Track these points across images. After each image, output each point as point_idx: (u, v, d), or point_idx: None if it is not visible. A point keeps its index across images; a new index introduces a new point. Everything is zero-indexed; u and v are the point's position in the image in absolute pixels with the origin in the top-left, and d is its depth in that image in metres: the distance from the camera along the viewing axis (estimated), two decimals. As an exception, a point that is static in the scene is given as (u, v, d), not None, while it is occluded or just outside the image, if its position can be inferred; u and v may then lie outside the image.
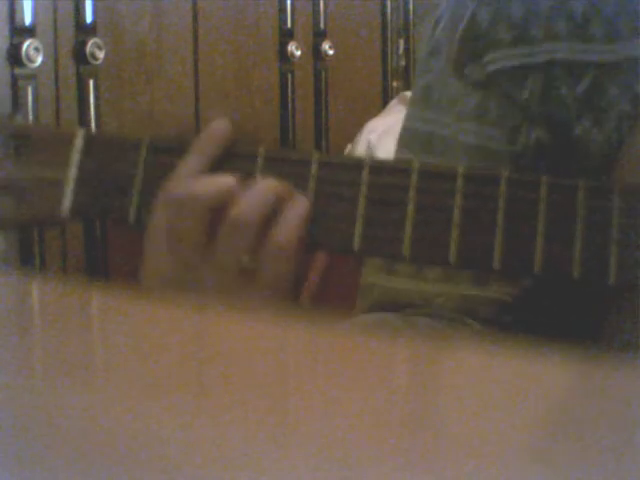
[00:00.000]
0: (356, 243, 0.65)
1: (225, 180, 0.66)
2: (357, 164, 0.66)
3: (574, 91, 0.70)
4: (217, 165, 0.67)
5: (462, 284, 0.73)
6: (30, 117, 1.55)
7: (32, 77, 1.56)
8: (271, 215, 0.65)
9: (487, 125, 0.73)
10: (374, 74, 2.32)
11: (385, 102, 2.28)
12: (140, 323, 0.37)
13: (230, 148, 0.68)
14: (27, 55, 1.53)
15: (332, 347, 0.34)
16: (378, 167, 0.66)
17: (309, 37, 2.11)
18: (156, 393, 0.29)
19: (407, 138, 0.78)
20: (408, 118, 0.78)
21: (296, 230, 0.64)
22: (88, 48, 1.62)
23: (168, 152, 0.69)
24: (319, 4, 2.12)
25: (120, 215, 0.69)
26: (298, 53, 2.05)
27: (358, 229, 0.65)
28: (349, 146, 2.08)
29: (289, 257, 0.64)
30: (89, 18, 1.65)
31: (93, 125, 1.65)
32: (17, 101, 1.54)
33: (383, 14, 2.32)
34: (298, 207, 0.65)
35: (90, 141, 0.70)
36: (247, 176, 0.66)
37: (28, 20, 1.55)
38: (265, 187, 0.65)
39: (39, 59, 1.55)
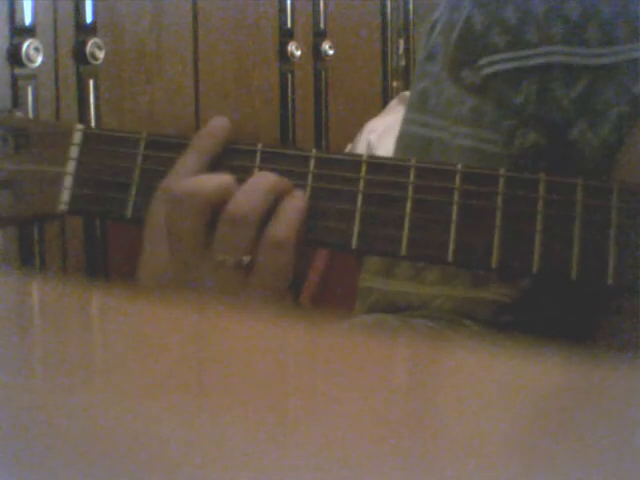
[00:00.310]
0: (354, 241, 0.65)
1: (223, 178, 0.66)
2: (355, 161, 0.66)
3: (569, 94, 0.70)
4: (216, 162, 0.67)
5: (460, 286, 0.73)
6: (30, 117, 1.55)
7: (32, 77, 1.56)
8: (269, 211, 0.65)
9: (483, 128, 0.73)
10: (374, 74, 2.32)
11: (385, 102, 2.28)
12: (140, 323, 0.37)
13: (229, 145, 0.68)
14: (27, 55, 1.53)
15: (332, 347, 0.34)
16: (376, 164, 0.66)
17: (309, 37, 2.11)
18: (156, 393, 0.29)
19: (404, 142, 0.78)
20: (405, 122, 0.78)
21: (293, 225, 0.64)
22: (88, 48, 1.62)
23: (166, 148, 0.69)
24: (319, 4, 2.12)
25: (118, 211, 0.69)
26: (298, 53, 2.05)
27: (356, 227, 0.65)
28: (349, 146, 2.07)
29: (286, 252, 0.64)
30: (89, 18, 1.65)
31: (93, 125, 1.65)
32: (17, 101, 1.54)
33: (383, 14, 2.32)
34: (295, 202, 0.65)
35: (88, 136, 0.70)
36: (245, 173, 0.67)
37: (28, 20, 1.55)
38: (262, 182, 0.65)
39: (39, 59, 1.55)
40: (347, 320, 0.75)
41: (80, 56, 1.63)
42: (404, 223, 0.65)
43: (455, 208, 0.64)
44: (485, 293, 0.73)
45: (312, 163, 0.66)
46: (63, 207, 0.69)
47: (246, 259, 0.64)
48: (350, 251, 0.66)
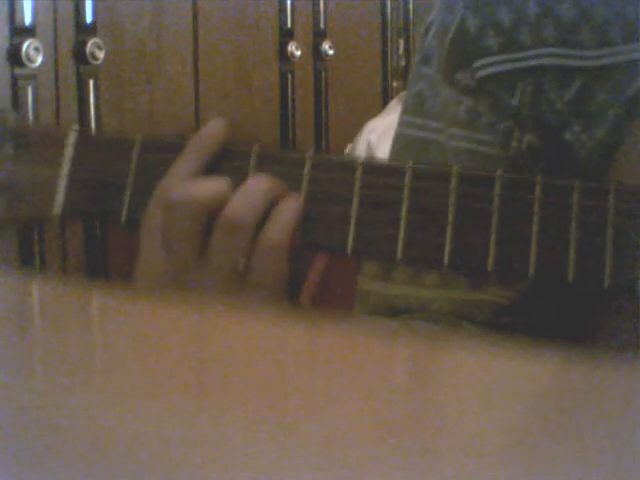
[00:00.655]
0: (349, 245, 0.65)
1: (220, 183, 0.66)
2: (350, 164, 0.66)
3: (564, 96, 0.70)
4: (212, 164, 0.67)
5: (458, 288, 0.73)
6: (30, 117, 1.55)
7: (32, 77, 1.56)
8: (264, 215, 0.65)
9: (479, 131, 0.73)
10: (374, 74, 2.32)
11: (385, 102, 2.28)
12: (140, 323, 0.37)
13: (226, 147, 0.68)
14: (27, 55, 1.53)
15: (332, 347, 0.34)
16: (371, 167, 0.66)
17: (309, 37, 2.11)
18: (156, 393, 0.29)
19: (400, 145, 0.78)
20: (401, 125, 0.78)
21: (288, 228, 0.64)
22: (88, 48, 1.62)
23: (161, 151, 0.69)
24: (319, 4, 2.12)
25: (112, 214, 0.69)
26: (298, 53, 2.05)
27: (351, 231, 0.65)
28: (349, 146, 2.08)
29: (281, 256, 0.64)
30: (89, 18, 1.65)
31: (93, 125, 1.65)
32: (17, 101, 1.54)
33: (383, 14, 2.32)
34: (290, 205, 0.65)
35: (83, 140, 0.70)
36: (242, 175, 0.66)
37: (28, 20, 1.55)
38: (257, 186, 0.65)
39: (39, 59, 1.55)
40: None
41: (80, 56, 1.63)
42: (400, 227, 0.65)
43: (451, 211, 0.64)
44: (484, 295, 0.73)
45: (307, 166, 0.66)
46: (57, 210, 0.69)
47: (242, 263, 0.64)
48: (346, 255, 0.66)
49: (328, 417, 0.27)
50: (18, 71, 1.54)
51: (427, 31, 0.77)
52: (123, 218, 0.68)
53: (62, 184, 0.69)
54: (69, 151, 0.69)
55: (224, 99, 1.92)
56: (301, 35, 2.07)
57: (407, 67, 2.36)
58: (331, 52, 2.13)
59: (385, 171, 0.66)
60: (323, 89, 2.15)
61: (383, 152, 1.91)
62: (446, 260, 0.64)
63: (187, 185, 0.65)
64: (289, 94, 2.05)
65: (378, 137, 1.98)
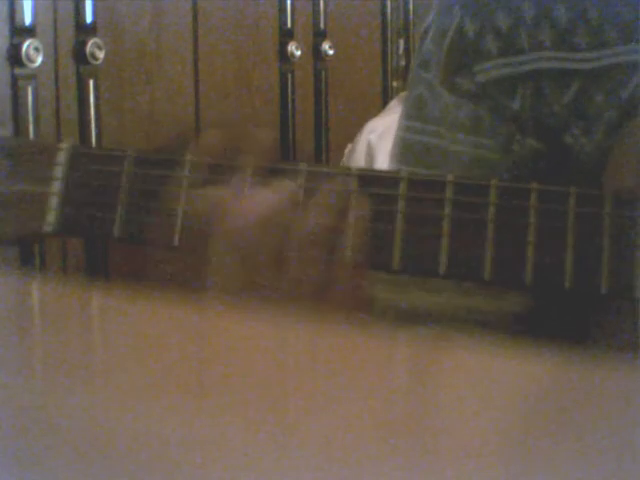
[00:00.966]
0: (346, 255, 0.65)
1: (291, 188, 0.65)
2: (344, 174, 0.66)
3: (562, 99, 0.70)
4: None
5: (473, 298, 0.73)
6: (30, 117, 1.55)
7: (32, 77, 1.56)
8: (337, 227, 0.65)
9: (481, 135, 0.73)
10: (374, 74, 2.32)
11: (385, 102, 2.28)
12: (140, 323, 0.37)
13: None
14: (27, 55, 1.53)
15: (332, 347, 0.34)
16: (365, 177, 0.66)
17: (309, 37, 2.11)
18: (156, 393, 0.29)
19: (402, 150, 0.78)
20: (401, 130, 0.78)
21: (361, 241, 0.65)
22: (88, 48, 1.62)
23: (152, 166, 0.68)
24: (319, 4, 2.12)
25: (105, 231, 0.68)
26: (298, 53, 2.05)
27: (348, 241, 0.65)
28: (349, 146, 2.08)
29: (360, 269, 0.65)
30: (89, 18, 1.65)
31: (93, 125, 1.65)
32: (17, 101, 1.54)
33: (383, 14, 2.32)
34: (358, 216, 0.65)
35: (74, 155, 0.69)
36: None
37: (28, 20, 1.55)
38: (330, 199, 0.65)
39: (39, 59, 1.55)
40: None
41: (80, 56, 1.63)
42: (395, 236, 0.64)
43: (446, 220, 0.64)
44: (499, 302, 0.73)
45: (300, 177, 0.66)
46: (49, 228, 0.68)
47: (320, 276, 0.65)
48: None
49: (328, 417, 0.27)
50: (18, 71, 1.54)
51: (424, 36, 0.77)
52: (116, 235, 0.68)
53: (53, 201, 0.68)
54: (60, 168, 0.69)
55: (224, 99, 1.92)
56: (301, 35, 2.07)
57: (407, 67, 2.36)
58: (331, 52, 2.13)
59: (379, 180, 0.66)
60: (323, 89, 2.15)
61: (383, 152, 1.91)
62: (442, 270, 0.64)
63: (260, 196, 0.65)
64: (289, 94, 2.05)
65: (378, 137, 1.98)
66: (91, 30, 1.65)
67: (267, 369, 0.32)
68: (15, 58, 1.53)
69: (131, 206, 0.68)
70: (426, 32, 0.77)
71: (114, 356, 0.33)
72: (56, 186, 0.68)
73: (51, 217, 0.68)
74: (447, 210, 0.64)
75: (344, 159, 2.05)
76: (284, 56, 2.03)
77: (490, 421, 0.27)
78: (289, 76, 2.05)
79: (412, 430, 0.26)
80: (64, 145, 0.69)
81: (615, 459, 0.24)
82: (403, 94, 2.18)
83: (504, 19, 0.72)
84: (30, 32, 1.55)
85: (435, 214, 0.64)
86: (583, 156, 0.70)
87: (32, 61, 1.54)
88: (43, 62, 1.56)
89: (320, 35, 2.12)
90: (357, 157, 1.99)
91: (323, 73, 2.14)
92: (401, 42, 2.37)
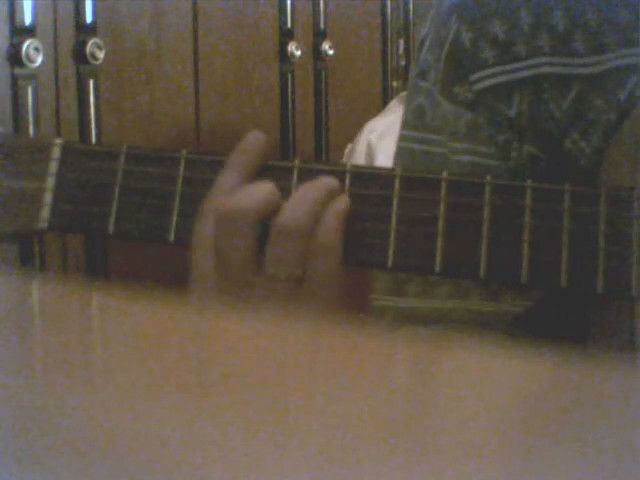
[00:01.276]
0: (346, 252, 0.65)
1: (268, 188, 0.65)
2: (339, 172, 0.66)
3: (561, 105, 0.71)
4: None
5: (473, 299, 0.73)
6: (30, 117, 1.55)
7: (32, 77, 1.56)
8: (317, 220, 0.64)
9: (479, 143, 0.73)
10: (374, 74, 2.32)
11: (385, 102, 2.28)
12: (140, 323, 0.37)
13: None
14: (27, 55, 1.53)
15: (332, 347, 0.34)
16: (360, 175, 0.66)
17: (309, 37, 2.11)
18: (156, 393, 0.29)
19: (404, 160, 0.78)
20: (402, 140, 0.78)
21: (339, 229, 0.64)
22: (88, 48, 1.62)
23: (146, 162, 0.68)
24: (319, 4, 2.12)
25: (100, 227, 0.68)
26: (298, 53, 2.05)
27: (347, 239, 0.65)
28: (349, 146, 2.08)
29: (335, 259, 0.64)
30: (89, 18, 1.65)
31: (93, 125, 1.65)
32: (17, 101, 1.54)
33: (383, 14, 2.32)
34: (338, 206, 0.65)
35: (67, 151, 0.69)
36: (284, 190, 0.66)
37: (28, 20, 1.55)
38: (310, 193, 0.65)
39: (39, 59, 1.55)
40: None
41: (80, 56, 1.63)
42: (390, 234, 0.64)
43: (441, 218, 0.64)
44: (499, 305, 0.73)
45: (295, 175, 0.66)
46: (43, 224, 0.68)
47: (298, 271, 0.64)
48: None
49: (328, 417, 0.27)
50: (18, 71, 1.54)
51: (421, 46, 0.77)
52: (111, 231, 0.68)
53: (48, 197, 0.68)
54: (54, 164, 0.68)
55: (224, 99, 1.92)
56: (301, 35, 2.07)
57: (407, 67, 2.36)
58: (331, 52, 2.13)
59: (374, 178, 0.66)
60: (323, 89, 2.15)
61: (383, 152, 1.91)
62: (437, 268, 0.64)
63: (236, 196, 0.64)
64: (289, 94, 2.05)
65: (378, 137, 1.98)
66: (91, 30, 1.65)
67: (267, 369, 0.32)
68: (15, 58, 1.53)
69: (125, 202, 0.67)
70: (423, 42, 0.77)
71: (114, 356, 0.33)
72: (50, 182, 0.68)
73: (45, 213, 0.68)
74: (441, 208, 0.64)
75: (344, 159, 2.05)
76: (284, 56, 2.03)
77: (490, 421, 0.27)
78: (289, 76, 2.05)
79: (412, 430, 0.26)
80: (58, 141, 0.69)
81: (615, 459, 0.24)
82: (403, 94, 2.18)
83: (500, 27, 0.72)
84: (30, 32, 1.55)
85: (430, 212, 0.64)
86: (583, 160, 0.70)
87: (32, 61, 1.54)
88: (43, 62, 1.56)
89: (320, 35, 2.12)
90: (357, 157, 1.99)
91: (323, 73, 2.14)
92: (401, 42, 2.37)
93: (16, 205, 0.68)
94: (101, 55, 1.64)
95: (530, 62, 0.71)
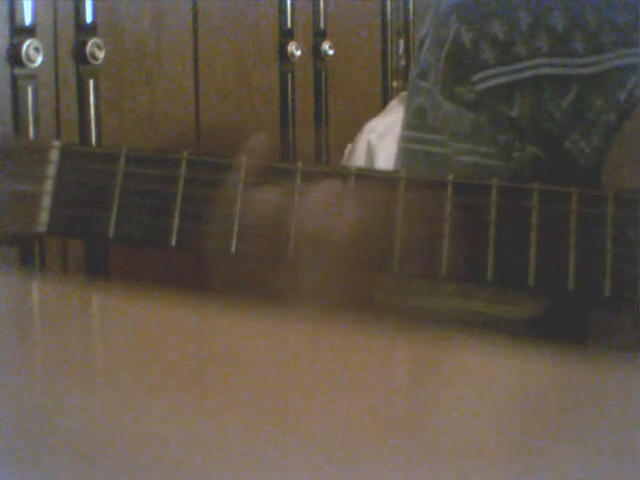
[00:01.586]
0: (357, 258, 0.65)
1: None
2: (343, 174, 0.66)
3: (561, 105, 0.71)
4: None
5: (478, 300, 0.73)
6: (30, 117, 1.55)
7: (32, 77, 1.56)
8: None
9: (481, 143, 0.73)
10: (374, 74, 2.32)
11: (385, 102, 2.28)
12: (140, 323, 0.37)
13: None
14: (27, 55, 1.53)
15: (332, 347, 0.34)
16: (364, 177, 0.66)
17: (309, 37, 2.11)
18: (156, 393, 0.29)
19: (406, 161, 0.78)
20: (403, 140, 0.78)
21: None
22: (88, 48, 1.62)
23: (146, 164, 0.67)
24: (319, 4, 2.12)
25: (99, 231, 0.67)
26: (298, 53, 2.05)
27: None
28: (349, 146, 2.08)
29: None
30: (89, 18, 1.65)
31: (93, 125, 1.65)
32: (17, 101, 1.54)
33: (383, 14, 2.32)
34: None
35: (66, 153, 0.68)
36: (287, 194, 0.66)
37: (28, 20, 1.55)
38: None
39: (39, 59, 1.55)
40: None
41: (80, 56, 1.63)
42: (395, 237, 0.64)
43: (448, 221, 0.64)
44: (504, 307, 0.73)
45: (297, 177, 0.66)
46: (42, 228, 0.68)
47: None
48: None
49: (328, 417, 0.27)
50: (18, 71, 1.54)
51: (421, 45, 0.77)
52: (111, 235, 0.67)
53: (46, 201, 0.68)
54: (52, 167, 0.68)
55: (224, 99, 1.92)
56: (301, 35, 2.07)
57: (407, 67, 2.36)
58: (331, 52, 2.13)
59: (378, 181, 0.65)
60: (323, 89, 2.15)
61: (383, 152, 1.91)
62: (444, 271, 0.63)
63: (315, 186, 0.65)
64: (289, 94, 2.05)
65: (378, 137, 1.98)
66: (91, 30, 1.65)
67: (267, 369, 0.32)
68: (15, 58, 1.53)
69: (125, 205, 0.67)
70: (422, 42, 0.77)
71: (114, 356, 0.33)
72: (48, 185, 0.68)
73: (44, 217, 0.68)
74: (448, 210, 0.64)
75: (344, 159, 2.05)
76: (284, 56, 2.03)
77: (490, 421, 0.27)
78: (289, 76, 2.05)
79: (412, 430, 0.26)
80: (56, 143, 0.69)
81: (615, 459, 0.24)
82: (403, 94, 2.18)
83: (500, 28, 0.72)
84: (30, 32, 1.55)
85: (435, 214, 0.64)
86: (583, 160, 0.70)
87: (32, 61, 1.54)
88: (43, 62, 1.56)
89: (320, 35, 2.12)
90: (357, 157, 1.99)
91: (323, 73, 2.14)
92: (401, 42, 2.37)
93: (14, 208, 0.68)
94: (101, 55, 1.64)
95: (530, 63, 0.71)
